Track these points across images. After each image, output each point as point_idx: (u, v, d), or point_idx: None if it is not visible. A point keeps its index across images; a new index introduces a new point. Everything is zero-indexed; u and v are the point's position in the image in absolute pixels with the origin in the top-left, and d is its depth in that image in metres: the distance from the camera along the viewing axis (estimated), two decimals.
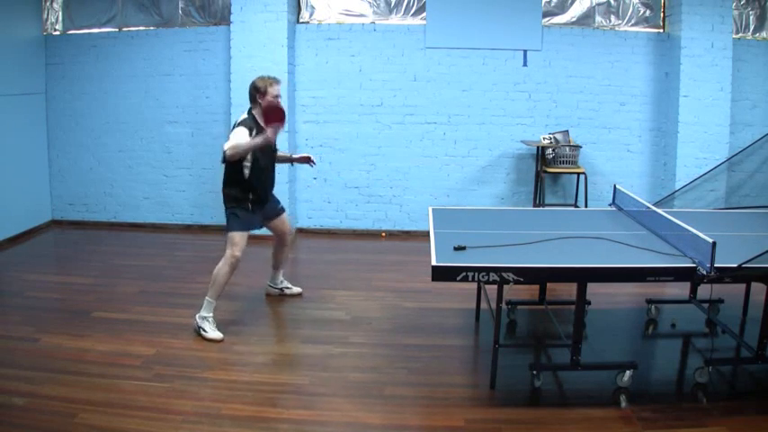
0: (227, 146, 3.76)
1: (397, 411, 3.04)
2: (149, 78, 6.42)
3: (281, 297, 4.60)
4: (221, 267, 3.92)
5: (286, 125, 5.95)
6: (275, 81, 3.98)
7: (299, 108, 6.33)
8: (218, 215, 4.11)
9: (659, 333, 4.15)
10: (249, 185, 3.99)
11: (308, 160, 4.39)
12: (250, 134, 3.84)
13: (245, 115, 3.98)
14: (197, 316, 3.91)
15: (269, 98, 3.92)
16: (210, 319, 3.88)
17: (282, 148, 5.88)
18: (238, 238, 3.94)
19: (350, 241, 6.29)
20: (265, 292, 4.66)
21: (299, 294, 4.64)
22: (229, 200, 4.01)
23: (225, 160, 3.85)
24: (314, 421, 2.97)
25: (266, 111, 3.89)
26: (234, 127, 3.93)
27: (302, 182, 6.45)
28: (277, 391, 3.25)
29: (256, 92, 3.95)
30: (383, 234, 6.45)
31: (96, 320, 4.11)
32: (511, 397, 3.21)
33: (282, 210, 4.40)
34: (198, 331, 3.87)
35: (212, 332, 3.85)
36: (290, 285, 4.66)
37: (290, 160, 4.53)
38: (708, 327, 4.12)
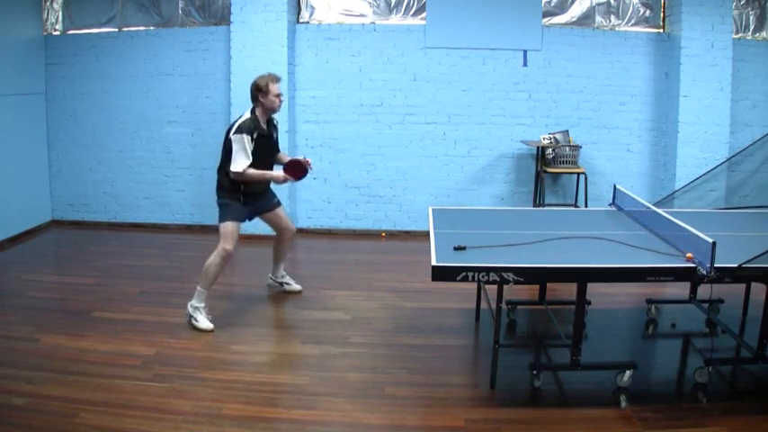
0: (235, 167, 3.84)
1: (397, 411, 3.05)
2: (149, 78, 6.41)
3: (280, 296, 4.60)
4: (212, 259, 3.95)
5: (286, 125, 6.01)
6: (276, 79, 4.01)
7: (299, 108, 6.33)
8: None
9: (659, 333, 4.15)
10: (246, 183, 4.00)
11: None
12: (251, 139, 3.89)
13: (247, 115, 3.98)
14: (189, 305, 3.96)
15: (271, 96, 3.96)
16: (202, 309, 3.93)
17: (282, 147, 5.90)
18: (230, 229, 3.95)
19: (350, 241, 6.28)
20: (267, 284, 4.68)
21: (299, 292, 4.65)
22: (222, 189, 4.03)
23: (221, 169, 3.99)
24: (314, 421, 2.97)
25: (294, 165, 4.05)
26: (233, 130, 3.90)
27: (302, 182, 6.41)
28: (277, 391, 3.25)
29: (258, 91, 3.97)
30: (383, 234, 6.45)
31: (96, 320, 4.11)
32: (511, 397, 3.21)
33: (278, 204, 4.38)
34: (189, 320, 3.92)
35: (203, 322, 3.89)
36: (290, 281, 4.67)
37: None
38: (708, 327, 4.12)
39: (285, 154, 4.37)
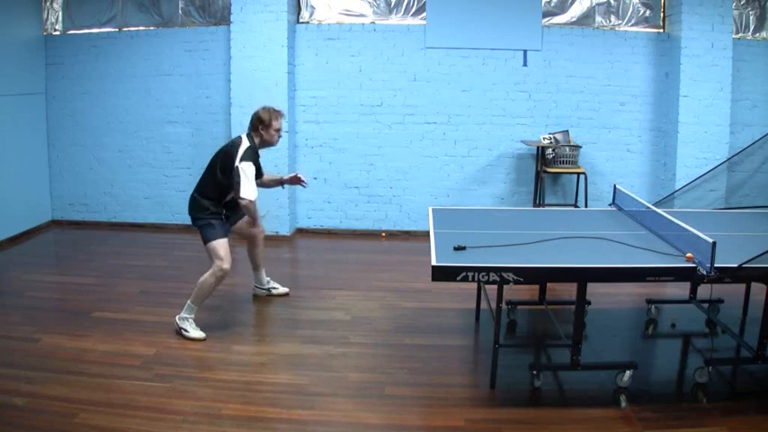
0: (245, 195, 3.82)
1: (397, 411, 3.04)
2: (149, 78, 6.42)
3: (277, 297, 4.59)
4: (207, 278, 3.86)
5: (287, 125, 6.00)
6: (280, 114, 4.02)
7: (299, 108, 6.33)
8: None
9: (659, 333, 4.15)
10: (230, 203, 4.00)
11: (298, 181, 4.33)
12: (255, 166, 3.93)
13: (246, 143, 3.93)
14: (176, 317, 3.89)
15: (272, 131, 3.98)
16: (191, 320, 3.87)
17: (282, 148, 5.91)
18: (221, 248, 3.87)
19: (350, 241, 6.29)
20: (252, 294, 4.63)
21: (287, 294, 4.62)
22: (202, 210, 3.96)
23: (201, 191, 3.99)
24: (314, 421, 2.97)
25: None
26: (239, 157, 3.84)
27: None
28: (277, 391, 3.25)
29: (259, 122, 3.97)
30: (383, 234, 6.45)
31: (96, 320, 4.11)
32: (511, 397, 3.21)
33: None
34: (179, 332, 3.86)
35: (194, 331, 3.84)
36: (276, 285, 4.64)
37: (281, 183, 4.42)
38: (708, 327, 4.12)
39: (273, 174, 4.38)
